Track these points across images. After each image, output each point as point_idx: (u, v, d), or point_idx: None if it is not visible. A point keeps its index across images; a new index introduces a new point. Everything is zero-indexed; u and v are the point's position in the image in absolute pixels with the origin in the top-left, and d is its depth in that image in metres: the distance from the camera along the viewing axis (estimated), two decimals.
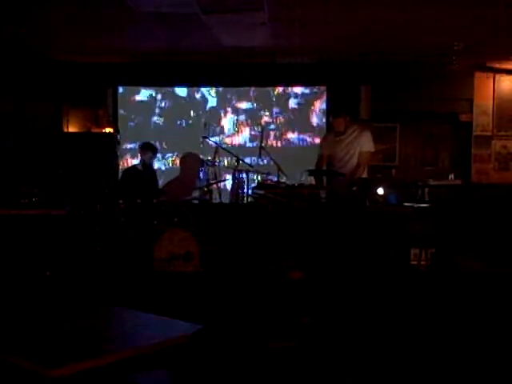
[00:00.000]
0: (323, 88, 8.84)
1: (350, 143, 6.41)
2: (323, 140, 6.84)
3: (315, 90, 8.91)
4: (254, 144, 8.57)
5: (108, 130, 8.83)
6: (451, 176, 7.91)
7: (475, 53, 7.58)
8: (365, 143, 6.41)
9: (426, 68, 8.29)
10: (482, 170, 8.54)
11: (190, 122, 8.97)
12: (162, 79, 8.89)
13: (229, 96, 8.99)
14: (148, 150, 7.64)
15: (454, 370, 3.96)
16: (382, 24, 6.45)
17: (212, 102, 9.00)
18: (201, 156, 7.90)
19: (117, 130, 8.84)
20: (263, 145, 7.55)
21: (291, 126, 8.94)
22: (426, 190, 7.62)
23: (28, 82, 7.93)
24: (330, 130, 6.76)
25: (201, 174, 7.35)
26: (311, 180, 6.94)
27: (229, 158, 8.43)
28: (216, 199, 7.49)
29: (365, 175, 6.56)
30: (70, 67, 8.69)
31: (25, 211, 6.19)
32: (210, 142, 7.73)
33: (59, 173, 7.00)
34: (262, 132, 7.62)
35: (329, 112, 6.83)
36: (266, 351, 3.35)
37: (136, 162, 8.25)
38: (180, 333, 2.76)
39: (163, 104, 9.09)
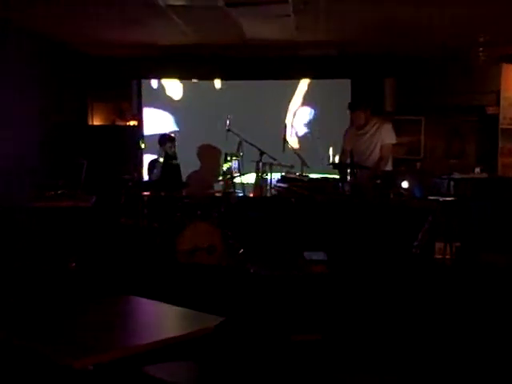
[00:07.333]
0: None
1: (372, 137, 6.38)
2: (345, 134, 6.80)
3: None
4: None
5: (132, 122, 8.88)
6: (477, 169, 7.81)
7: (501, 44, 7.47)
8: (386, 136, 6.37)
9: (452, 60, 8.19)
10: (509, 164, 8.41)
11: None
12: (186, 72, 8.91)
13: None
14: (166, 140, 7.61)
15: (479, 365, 3.93)
16: (407, 17, 6.39)
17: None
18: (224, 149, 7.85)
19: (141, 123, 8.88)
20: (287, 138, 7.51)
21: None
22: (452, 183, 7.54)
23: (54, 75, 7.99)
24: (352, 124, 6.72)
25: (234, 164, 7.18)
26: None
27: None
28: (239, 192, 7.48)
29: (389, 167, 6.52)
30: (95, 61, 8.76)
31: (50, 203, 6.26)
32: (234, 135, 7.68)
33: (81, 163, 7.04)
34: (285, 126, 7.57)
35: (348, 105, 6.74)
36: (289, 344, 3.34)
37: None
38: (203, 325, 2.77)
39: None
